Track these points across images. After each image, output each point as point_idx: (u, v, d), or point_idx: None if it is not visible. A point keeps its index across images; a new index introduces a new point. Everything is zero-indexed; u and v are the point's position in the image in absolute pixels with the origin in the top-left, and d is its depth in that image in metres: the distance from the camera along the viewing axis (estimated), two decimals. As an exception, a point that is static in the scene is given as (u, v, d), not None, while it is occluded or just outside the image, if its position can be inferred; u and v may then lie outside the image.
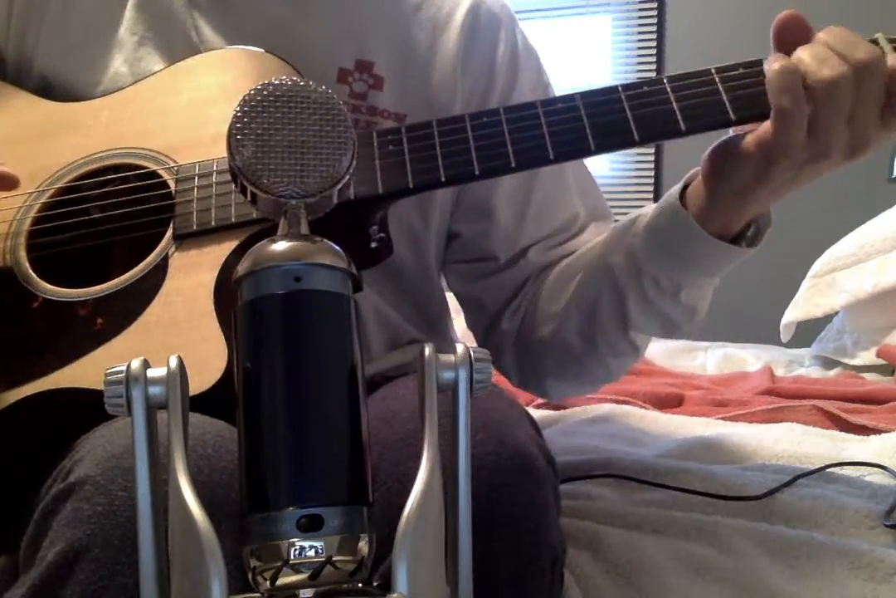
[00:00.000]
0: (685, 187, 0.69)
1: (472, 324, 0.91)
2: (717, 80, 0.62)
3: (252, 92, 0.38)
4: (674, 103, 0.62)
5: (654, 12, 3.18)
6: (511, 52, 0.84)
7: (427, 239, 0.83)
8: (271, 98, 0.38)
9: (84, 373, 0.61)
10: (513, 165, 0.63)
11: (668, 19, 3.17)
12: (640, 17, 3.21)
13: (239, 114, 0.38)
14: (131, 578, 0.47)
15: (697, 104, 0.62)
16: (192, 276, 0.64)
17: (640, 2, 3.20)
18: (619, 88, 0.64)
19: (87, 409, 0.58)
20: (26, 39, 0.81)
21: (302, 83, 0.38)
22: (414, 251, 0.83)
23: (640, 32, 3.21)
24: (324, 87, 0.38)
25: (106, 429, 0.56)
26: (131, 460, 0.49)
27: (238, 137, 0.37)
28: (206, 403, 0.53)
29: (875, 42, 0.61)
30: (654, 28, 3.18)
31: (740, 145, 0.62)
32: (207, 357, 0.58)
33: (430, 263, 0.85)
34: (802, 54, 0.59)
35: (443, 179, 0.64)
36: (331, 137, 0.38)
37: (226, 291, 0.62)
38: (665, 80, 0.63)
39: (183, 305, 0.62)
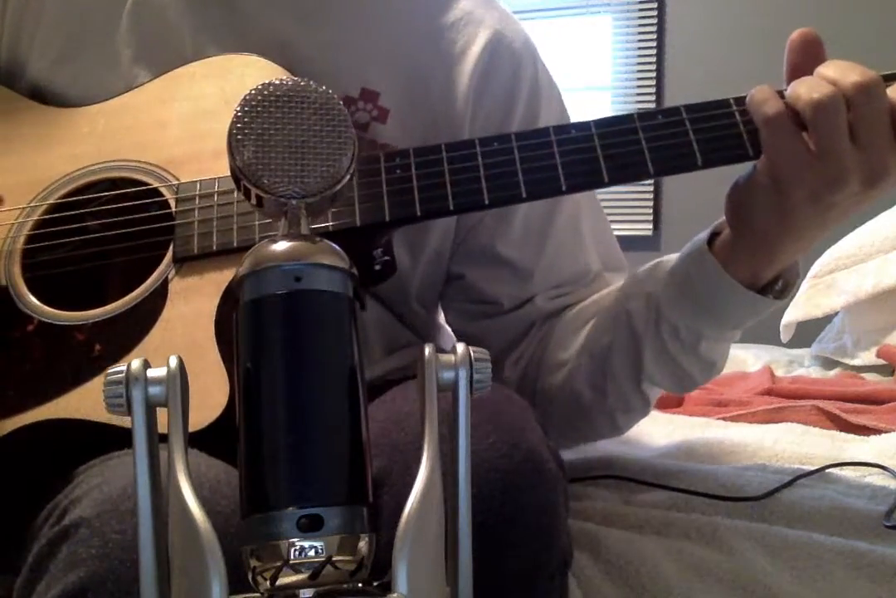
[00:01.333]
0: (714, 235, 0.67)
1: None
2: (735, 112, 0.61)
3: (252, 92, 0.38)
4: (691, 135, 0.60)
5: (654, 12, 3.18)
6: (530, 95, 0.80)
7: (412, 277, 0.80)
8: (272, 98, 0.38)
9: (82, 403, 0.60)
10: (524, 195, 0.61)
11: (668, 19, 3.18)
12: (640, 17, 3.21)
13: (239, 114, 0.38)
14: None
15: (715, 137, 0.60)
16: (193, 303, 0.62)
17: (640, 2, 3.20)
18: (636, 118, 0.62)
19: (85, 439, 0.58)
20: (20, 43, 0.79)
21: (302, 83, 0.38)
22: (395, 287, 0.79)
23: (640, 32, 3.22)
24: (324, 87, 0.38)
25: (104, 466, 0.56)
26: (128, 504, 0.50)
27: (238, 137, 0.37)
28: (207, 438, 0.52)
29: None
30: (654, 28, 3.19)
31: (753, 176, 0.61)
32: (209, 390, 0.57)
33: (409, 299, 0.82)
34: (796, 86, 0.59)
35: (451, 208, 0.62)
36: (331, 138, 0.38)
37: (228, 319, 0.61)
38: (683, 111, 0.61)
39: (183, 333, 0.61)
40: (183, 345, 0.60)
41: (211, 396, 0.56)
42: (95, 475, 0.55)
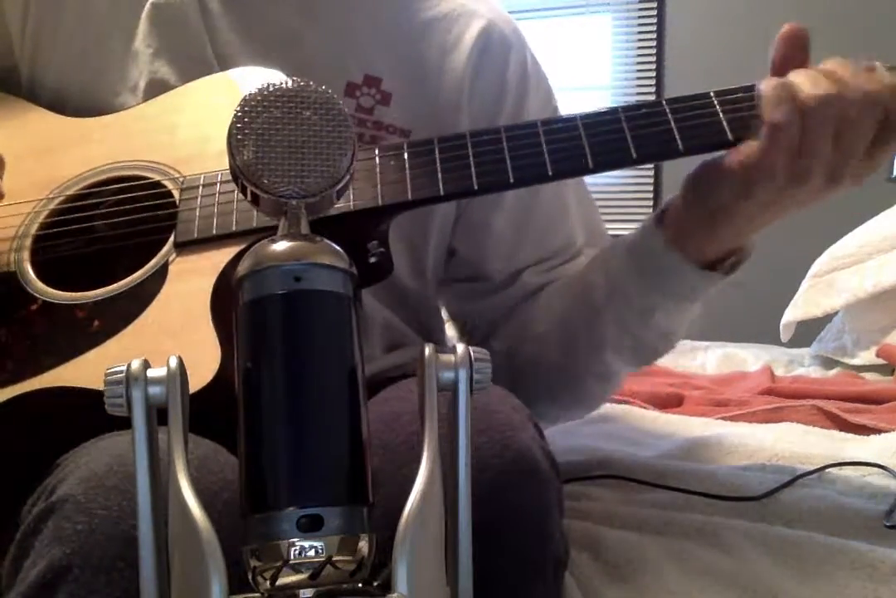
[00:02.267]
0: (666, 210, 0.70)
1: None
2: (715, 102, 0.64)
3: (252, 92, 0.38)
4: (672, 124, 0.63)
5: (654, 12, 3.18)
6: (521, 76, 0.84)
7: (426, 254, 0.84)
8: (271, 98, 0.38)
9: (78, 373, 0.61)
10: (511, 180, 0.64)
11: (668, 19, 3.17)
12: (640, 17, 3.21)
13: (239, 114, 0.38)
14: (110, 597, 0.48)
15: (696, 125, 0.63)
16: (191, 281, 0.64)
17: (640, 1, 3.20)
18: (619, 110, 0.65)
19: (80, 408, 0.58)
20: (40, 53, 0.82)
21: (302, 83, 0.38)
22: (412, 266, 0.83)
23: (640, 32, 3.21)
24: (324, 87, 0.38)
25: (92, 447, 0.56)
26: (113, 479, 0.50)
27: (238, 137, 0.37)
28: (194, 407, 0.52)
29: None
30: (654, 28, 3.18)
31: (722, 163, 0.63)
32: (200, 361, 0.58)
33: (427, 278, 0.86)
34: (797, 76, 0.60)
35: (441, 193, 0.65)
36: (331, 137, 0.38)
37: (223, 296, 0.62)
38: (664, 103, 0.64)
39: (179, 309, 0.63)
40: (178, 320, 0.62)
41: (201, 366, 0.57)
42: (83, 455, 0.55)
